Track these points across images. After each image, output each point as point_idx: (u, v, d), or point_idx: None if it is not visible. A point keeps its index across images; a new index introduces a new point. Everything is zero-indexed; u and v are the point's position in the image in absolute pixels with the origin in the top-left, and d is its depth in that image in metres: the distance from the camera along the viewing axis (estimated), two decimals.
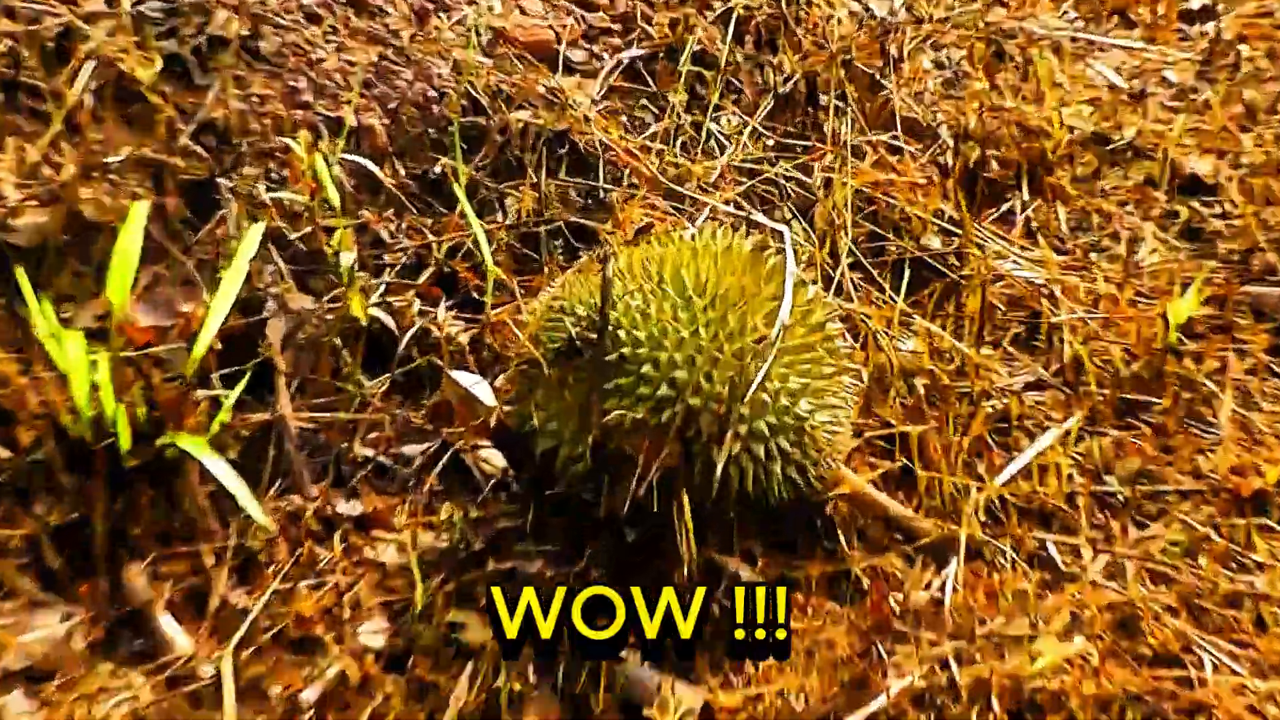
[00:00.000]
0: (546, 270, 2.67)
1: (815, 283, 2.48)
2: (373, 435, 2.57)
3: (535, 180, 2.71)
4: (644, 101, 2.88)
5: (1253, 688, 2.23)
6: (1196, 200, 3.01)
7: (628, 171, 2.73)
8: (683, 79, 2.86)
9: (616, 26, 2.97)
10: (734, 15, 2.95)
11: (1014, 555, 2.45)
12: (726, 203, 2.73)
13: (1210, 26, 3.32)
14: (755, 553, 2.40)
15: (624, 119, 2.83)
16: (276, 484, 2.45)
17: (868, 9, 3.07)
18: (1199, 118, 3.10)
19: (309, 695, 2.19)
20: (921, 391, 2.56)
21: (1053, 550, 2.45)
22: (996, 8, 3.26)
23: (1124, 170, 2.99)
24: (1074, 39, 3.24)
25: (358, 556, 2.39)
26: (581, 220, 2.69)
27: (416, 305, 2.64)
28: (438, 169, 2.69)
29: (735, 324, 2.27)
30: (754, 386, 2.22)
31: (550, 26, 2.92)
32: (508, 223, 2.68)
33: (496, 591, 2.27)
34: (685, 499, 2.27)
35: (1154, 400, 2.63)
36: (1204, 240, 2.92)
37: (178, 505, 2.37)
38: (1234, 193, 2.96)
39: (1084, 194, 2.91)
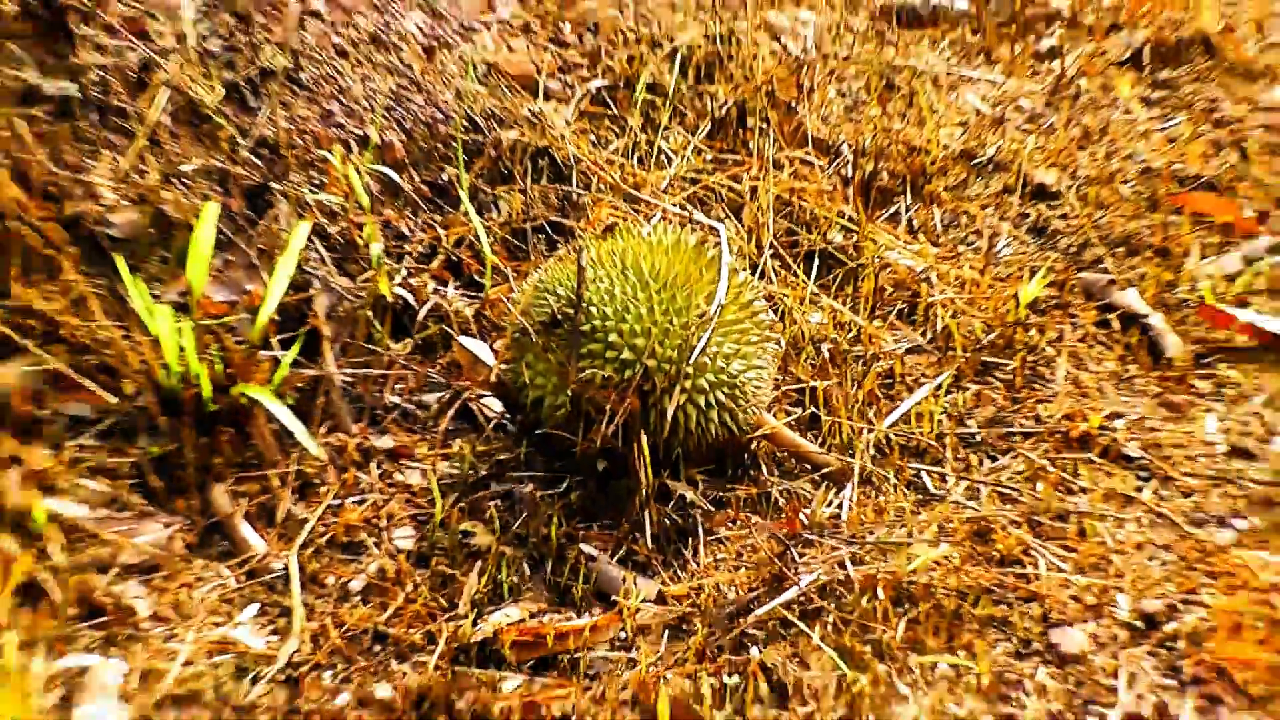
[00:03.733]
0: (532, 258, 2.79)
1: (744, 270, 2.58)
2: (399, 386, 2.70)
3: (522, 186, 2.85)
4: (607, 123, 2.96)
5: (1075, 583, 2.40)
6: (1043, 204, 3.16)
7: (596, 179, 2.85)
8: (638, 105, 2.96)
9: (585, 62, 3.04)
10: (679, 54, 3.01)
11: (895, 481, 2.58)
12: (675, 205, 2.86)
13: (1056, 64, 3.39)
14: (697, 479, 2.57)
15: (592, 137, 2.92)
16: (324, 424, 2.62)
17: (786, 49, 3.12)
18: (1046, 138, 3.22)
19: (355, 585, 2.39)
20: (826, 355, 2.73)
21: (925, 478, 2.61)
22: (888, 48, 3.27)
23: (986, 180, 3.10)
24: (949, 74, 3.23)
25: (390, 480, 2.56)
26: (559, 219, 2.83)
27: (431, 285, 2.75)
28: (445, 177, 2.83)
29: (682, 302, 2.44)
30: (696, 352, 2.41)
31: (532, 61, 3.00)
32: (501, 220, 2.82)
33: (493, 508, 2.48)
34: (643, 439, 2.44)
35: (1005, 362, 2.79)
36: (1048, 236, 3.06)
37: (249, 440, 2.55)
38: (1072, 199, 3.10)
39: (955, 199, 3.01)
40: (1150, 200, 3.15)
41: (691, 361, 2.43)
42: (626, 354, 2.44)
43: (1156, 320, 2.93)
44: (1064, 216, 3.13)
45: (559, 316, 2.49)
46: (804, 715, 2.18)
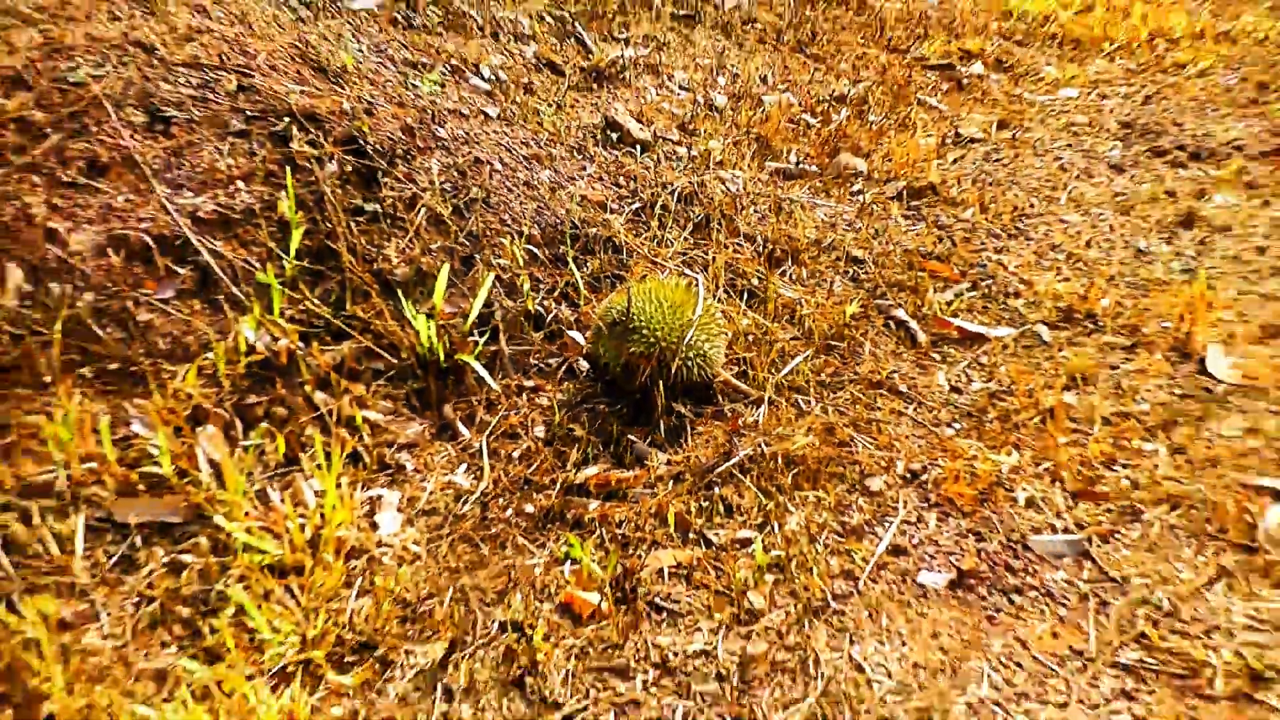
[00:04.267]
0: (603, 292, 2.77)
1: (709, 298, 2.56)
2: (537, 355, 2.63)
3: (600, 257, 2.83)
4: (640, 225, 2.95)
5: (876, 455, 2.36)
6: (856, 266, 3.03)
7: (635, 253, 2.85)
8: (656, 216, 2.96)
9: (629, 195, 3.04)
10: (676, 191, 3.00)
11: (784, 403, 2.50)
12: (675, 265, 2.86)
13: (860, 197, 3.35)
14: (687, 405, 2.49)
15: (633, 231, 2.92)
16: (500, 375, 2.55)
17: (729, 189, 3.11)
18: (857, 234, 3.14)
19: (515, 455, 2.35)
20: (750, 340, 2.68)
21: (800, 402, 2.53)
22: (778, 189, 3.25)
23: (828, 255, 3.02)
24: (808, 202, 3.22)
25: (533, 403, 2.51)
26: (617, 272, 2.82)
27: (553, 305, 2.71)
28: (560, 251, 2.81)
29: (680, 314, 2.40)
30: (686, 339, 2.38)
31: (603, 195, 3.01)
32: (588, 273, 2.79)
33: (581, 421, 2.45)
34: (660, 384, 2.41)
35: (839, 344, 2.72)
36: (860, 281, 2.96)
37: (462, 383, 2.51)
38: (870, 264, 3.03)
39: (813, 263, 2.95)
40: (908, 264, 3.09)
41: (683, 344, 2.41)
42: (651, 340, 2.40)
43: (913, 325, 2.88)
44: (867, 272, 3.04)
45: (617, 320, 2.44)
46: (740, 522, 2.18)
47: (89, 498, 1.93)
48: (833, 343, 2.75)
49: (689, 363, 2.44)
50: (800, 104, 3.75)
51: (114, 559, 1.86)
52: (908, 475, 2.33)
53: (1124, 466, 2.35)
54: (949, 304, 2.96)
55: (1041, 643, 1.86)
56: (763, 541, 2.09)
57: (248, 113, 2.74)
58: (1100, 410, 2.53)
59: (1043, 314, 2.93)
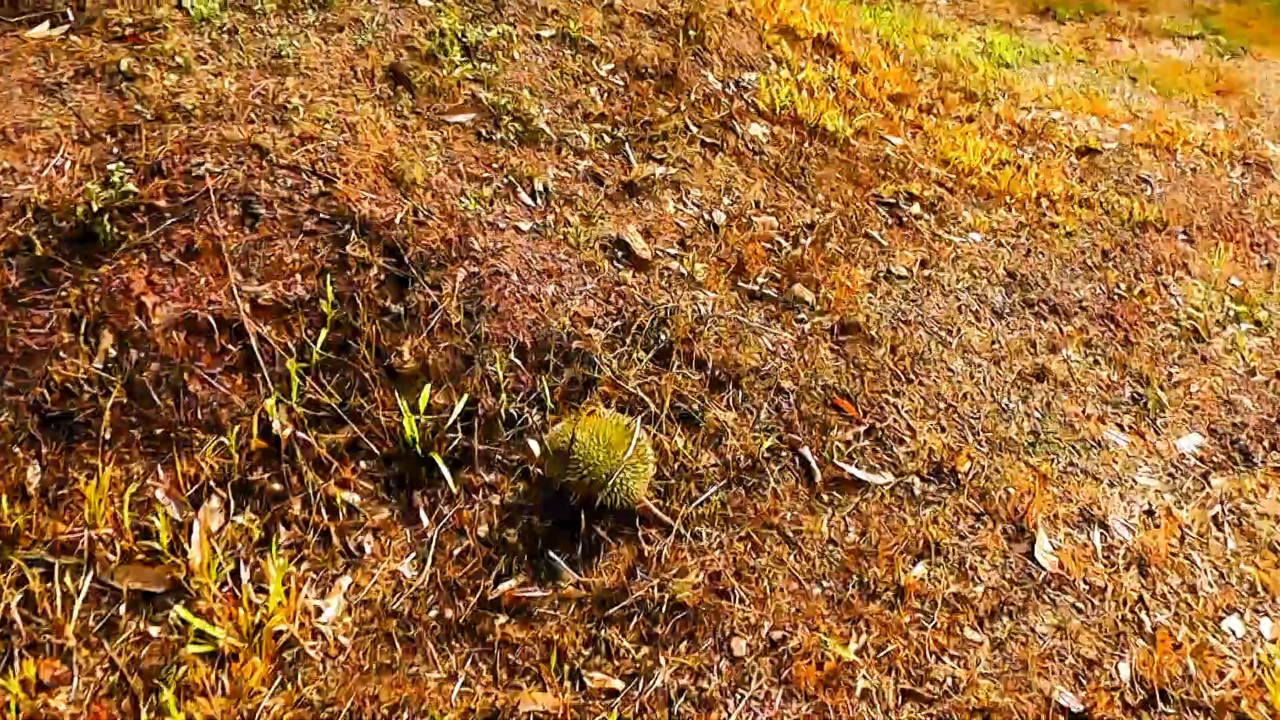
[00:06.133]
0: (574, 399, 2.69)
1: (643, 436, 2.53)
2: (501, 452, 2.53)
3: (576, 368, 2.77)
4: (618, 342, 2.91)
5: (750, 614, 2.23)
6: (783, 399, 2.96)
7: (607, 369, 2.77)
8: (631, 334, 2.93)
9: (615, 313, 2.97)
10: (656, 310, 2.95)
11: (688, 535, 2.39)
12: (634, 388, 2.79)
13: (805, 325, 3.22)
14: (610, 523, 2.36)
15: (609, 347, 2.87)
16: (465, 468, 2.47)
17: (699, 309, 2.99)
18: (791, 365, 3.08)
19: (455, 552, 2.27)
20: (677, 467, 2.58)
21: (704, 534, 2.41)
22: (745, 306, 3.18)
23: (762, 383, 2.92)
24: (761, 325, 3.08)
25: (487, 499, 2.41)
26: (588, 382, 2.75)
27: (527, 410, 2.59)
28: (545, 359, 2.75)
29: (613, 454, 2.30)
30: (614, 475, 2.28)
31: (593, 310, 2.97)
32: (564, 382, 2.74)
33: None
34: (585, 510, 2.34)
35: (751, 477, 2.64)
36: (781, 412, 2.86)
37: (436, 473, 2.46)
38: (793, 398, 2.92)
39: (749, 389, 2.88)
40: (824, 400, 3.00)
41: (612, 479, 2.29)
42: (584, 472, 2.31)
43: (813, 464, 2.79)
44: (789, 404, 2.93)
45: (561, 449, 2.31)
46: (614, 668, 2.08)
47: (102, 559, 2.01)
48: (744, 475, 2.65)
49: (613, 495, 2.33)
50: (779, 226, 3.73)
51: (101, 622, 1.87)
52: (769, 641, 2.19)
53: (952, 658, 2.26)
54: (847, 444, 2.85)
55: None
56: (619, 709, 1.96)
57: (321, 215, 2.76)
58: (942, 589, 2.45)
59: (918, 465, 2.83)
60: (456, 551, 2.27)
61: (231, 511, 2.22)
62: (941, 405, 3.12)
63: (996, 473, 2.87)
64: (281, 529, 2.25)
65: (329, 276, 2.64)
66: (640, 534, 2.40)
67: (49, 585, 1.84)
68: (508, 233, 3.07)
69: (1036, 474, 2.90)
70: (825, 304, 3.33)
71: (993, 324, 3.63)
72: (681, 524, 2.42)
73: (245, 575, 2.06)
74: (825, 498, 2.67)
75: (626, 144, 3.74)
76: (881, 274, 3.66)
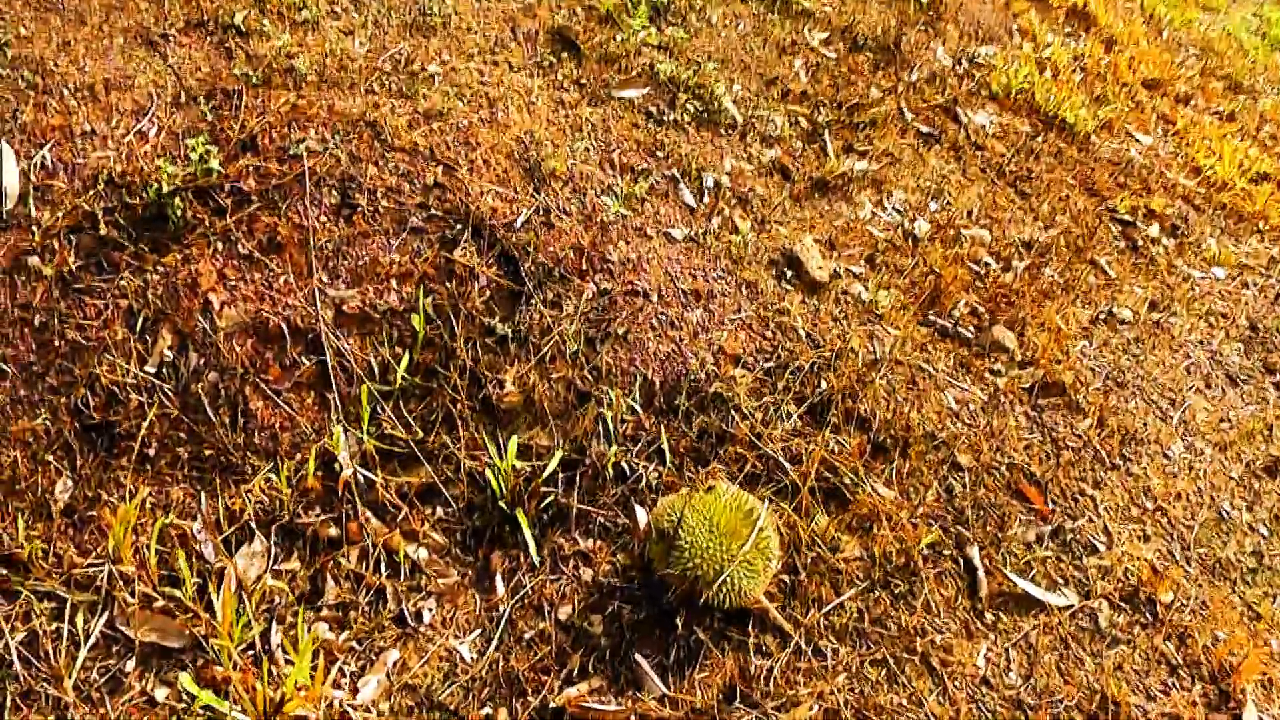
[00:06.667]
0: (699, 456, 2.30)
1: (766, 526, 2.09)
2: (604, 513, 2.17)
3: (710, 417, 2.34)
4: (766, 388, 2.42)
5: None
6: (958, 477, 2.44)
7: (746, 420, 2.36)
8: (785, 380, 2.42)
9: (769, 351, 2.46)
10: (817, 351, 2.40)
11: (809, 651, 1.96)
12: (775, 452, 2.34)
13: (999, 381, 2.59)
14: (716, 622, 2.01)
15: (754, 395, 2.40)
16: (559, 529, 2.13)
17: (872, 350, 2.45)
18: (974, 433, 2.51)
19: (526, 636, 1.99)
20: (809, 558, 2.15)
21: (828, 651, 1.96)
22: (930, 347, 2.58)
23: (934, 454, 2.43)
24: (946, 378, 2.55)
25: (576, 571, 2.07)
26: (721, 435, 2.32)
27: (641, 464, 2.22)
28: (675, 403, 2.35)
29: (727, 545, 1.89)
30: (725, 573, 1.88)
31: (742, 346, 2.48)
32: (693, 431, 2.32)
33: None
34: (685, 609, 1.99)
35: (899, 580, 2.13)
36: (953, 495, 2.37)
37: (521, 533, 2.16)
38: (970, 478, 2.42)
39: (917, 462, 2.39)
40: (1007, 484, 2.47)
41: (721, 578, 1.89)
42: (688, 565, 1.92)
43: (980, 571, 2.27)
44: (964, 486, 2.41)
45: (666, 529, 1.91)
46: None
47: (120, 601, 1.78)
48: (893, 576, 2.16)
49: (721, 594, 1.93)
50: (991, 243, 3.05)
51: (106, 676, 1.69)
52: None
53: None
54: (1027, 547, 2.30)
55: None
56: None
57: (431, 210, 2.39)
58: None
59: (1110, 585, 2.27)
60: (529, 635, 1.93)
61: (274, 559, 1.93)
62: (1149, 505, 2.48)
63: (1204, 607, 2.27)
64: (330, 584, 1.94)
65: (428, 285, 2.28)
66: (751, 641, 2.01)
67: (57, 625, 1.62)
68: (655, 241, 2.58)
69: (1252, 615, 2.29)
70: (1029, 353, 2.69)
71: (1224, 392, 2.90)
72: (804, 635, 2.04)
73: (276, 637, 1.79)
74: (989, 618, 2.14)
75: (826, 131, 3.13)
76: (1102, 315, 2.97)
